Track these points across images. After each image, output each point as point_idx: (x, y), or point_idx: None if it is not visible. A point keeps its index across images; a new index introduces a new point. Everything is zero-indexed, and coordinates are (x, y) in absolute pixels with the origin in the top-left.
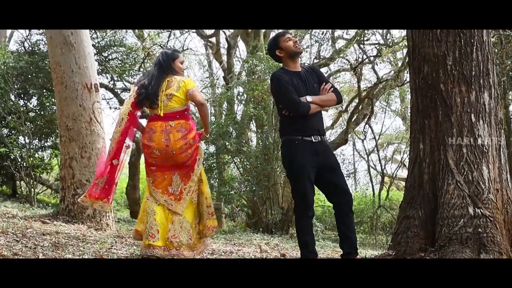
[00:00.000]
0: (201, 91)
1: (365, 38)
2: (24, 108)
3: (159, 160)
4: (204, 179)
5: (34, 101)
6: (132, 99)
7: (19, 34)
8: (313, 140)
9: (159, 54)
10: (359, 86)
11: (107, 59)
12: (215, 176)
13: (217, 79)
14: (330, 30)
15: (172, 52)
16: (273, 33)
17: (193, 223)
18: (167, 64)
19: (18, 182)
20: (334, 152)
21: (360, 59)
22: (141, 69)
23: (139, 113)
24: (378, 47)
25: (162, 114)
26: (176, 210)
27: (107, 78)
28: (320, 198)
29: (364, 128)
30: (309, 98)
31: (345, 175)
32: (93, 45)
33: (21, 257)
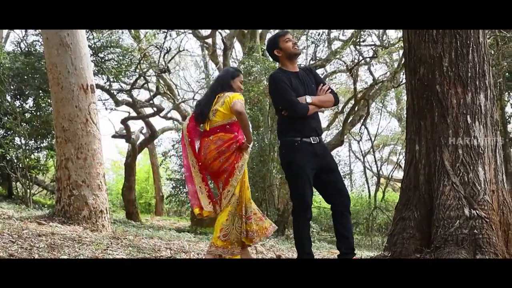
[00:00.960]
0: (197, 92)
1: (361, 40)
2: (20, 109)
3: (206, 171)
4: (247, 185)
5: (30, 102)
6: (191, 115)
7: (15, 34)
8: (312, 142)
9: (222, 70)
10: (355, 88)
11: (103, 60)
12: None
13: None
14: (326, 32)
15: (234, 71)
16: (269, 34)
17: (220, 224)
18: (226, 81)
19: (14, 183)
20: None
21: (356, 60)
22: (137, 70)
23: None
24: (374, 49)
25: (208, 129)
26: (217, 214)
27: (103, 79)
28: (316, 200)
29: (360, 129)
30: (308, 99)
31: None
32: (89, 46)
33: (16, 258)
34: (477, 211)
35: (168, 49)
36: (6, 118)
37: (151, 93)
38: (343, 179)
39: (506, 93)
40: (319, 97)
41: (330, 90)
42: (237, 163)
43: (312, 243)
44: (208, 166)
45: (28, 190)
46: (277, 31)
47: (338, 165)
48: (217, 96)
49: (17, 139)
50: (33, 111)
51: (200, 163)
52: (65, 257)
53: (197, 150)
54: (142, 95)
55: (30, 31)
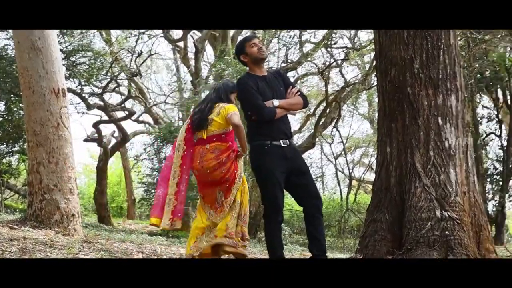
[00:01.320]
0: (168, 96)
1: (332, 42)
2: None
3: (200, 178)
4: (246, 190)
5: (1, 106)
6: (186, 126)
7: None
8: (282, 145)
9: (222, 83)
10: (326, 90)
11: (74, 64)
12: None
13: (185, 83)
14: (297, 34)
15: (233, 85)
16: (241, 37)
17: (223, 230)
18: (226, 94)
19: None
20: (302, 156)
21: (327, 63)
22: (109, 74)
23: (195, 139)
24: (345, 51)
25: (205, 137)
26: (214, 220)
27: (74, 83)
28: (288, 202)
29: (331, 131)
30: (276, 102)
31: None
32: (61, 50)
33: None
34: (449, 213)
35: (140, 52)
36: None
37: (123, 97)
38: (315, 181)
39: (478, 94)
40: (287, 100)
41: (299, 92)
42: (237, 172)
43: (284, 246)
44: (207, 175)
45: (0, 195)
46: (248, 34)
47: (309, 167)
48: (214, 106)
49: None
50: (4, 115)
51: (196, 172)
52: None
53: (186, 159)
54: (113, 98)
55: (1, 35)
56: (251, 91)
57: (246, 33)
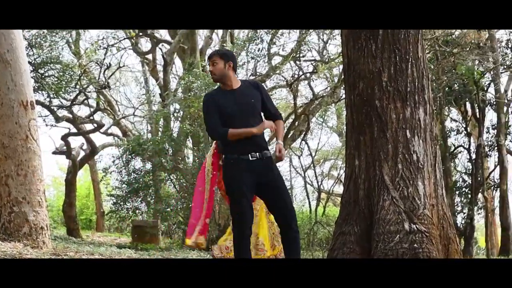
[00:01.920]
0: (137, 108)
1: (301, 55)
2: None
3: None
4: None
5: None
6: (213, 151)
7: None
8: (250, 158)
9: None
10: (295, 103)
11: (43, 76)
12: (152, 193)
13: (154, 96)
14: (266, 47)
15: None
16: (209, 50)
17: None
18: None
19: None
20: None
21: (296, 76)
22: (77, 86)
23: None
24: (314, 64)
25: None
26: None
27: (43, 95)
28: None
29: (300, 144)
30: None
31: None
32: (29, 62)
33: None
34: (417, 226)
35: (108, 65)
36: None
37: (92, 109)
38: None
39: (446, 107)
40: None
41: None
42: None
43: None
44: None
45: None
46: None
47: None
48: None
49: None
50: None
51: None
52: None
53: (214, 181)
54: (82, 111)
55: None
56: (207, 110)
57: (215, 46)
